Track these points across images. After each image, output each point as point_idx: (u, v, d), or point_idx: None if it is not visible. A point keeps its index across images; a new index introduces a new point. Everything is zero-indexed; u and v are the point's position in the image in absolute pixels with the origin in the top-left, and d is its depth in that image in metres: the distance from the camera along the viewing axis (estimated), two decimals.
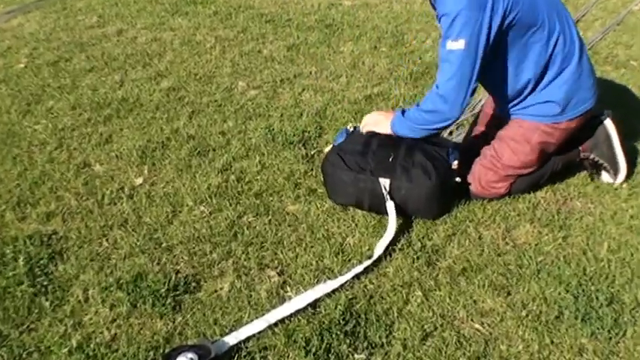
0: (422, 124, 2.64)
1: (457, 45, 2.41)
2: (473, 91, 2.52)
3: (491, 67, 2.58)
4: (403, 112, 2.73)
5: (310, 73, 4.05)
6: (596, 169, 2.99)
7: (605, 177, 2.98)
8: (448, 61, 2.47)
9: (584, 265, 2.48)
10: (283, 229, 2.70)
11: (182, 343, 2.15)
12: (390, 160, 2.65)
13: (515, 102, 2.73)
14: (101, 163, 3.18)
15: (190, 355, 2.00)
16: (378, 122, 2.81)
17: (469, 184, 2.82)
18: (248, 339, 2.18)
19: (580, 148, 2.95)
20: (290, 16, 4.98)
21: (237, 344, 2.14)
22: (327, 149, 2.88)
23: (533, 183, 2.90)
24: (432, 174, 2.60)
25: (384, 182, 2.63)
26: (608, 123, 2.93)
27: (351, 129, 2.89)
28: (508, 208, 2.78)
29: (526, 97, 2.70)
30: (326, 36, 4.58)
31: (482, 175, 2.81)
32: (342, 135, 2.89)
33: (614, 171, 2.94)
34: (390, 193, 2.63)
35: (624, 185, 2.95)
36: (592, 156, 2.94)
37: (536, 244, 2.60)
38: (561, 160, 2.93)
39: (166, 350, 2.14)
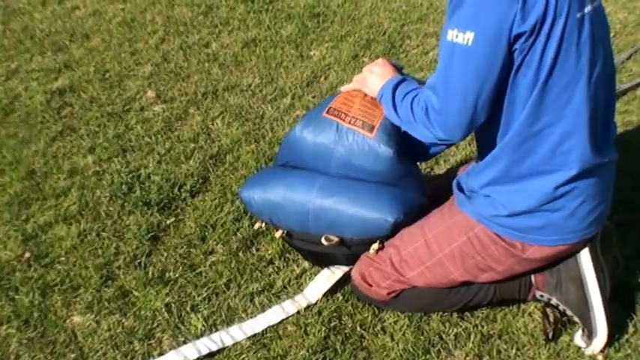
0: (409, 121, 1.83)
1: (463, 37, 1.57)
2: (477, 114, 1.65)
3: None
4: (397, 86, 1.89)
5: (249, 86, 3.15)
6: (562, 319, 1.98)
7: (578, 338, 1.94)
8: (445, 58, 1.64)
9: None
10: None
11: None
12: None
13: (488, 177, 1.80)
14: None
15: None
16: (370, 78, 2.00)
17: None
18: None
19: (532, 278, 1.93)
20: None
21: None
22: (277, 234, 2.09)
23: (437, 305, 1.99)
24: None
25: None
26: (584, 254, 1.90)
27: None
28: None
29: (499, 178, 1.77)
30: (303, 30, 3.63)
31: (377, 259, 1.96)
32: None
33: (588, 331, 1.89)
34: None
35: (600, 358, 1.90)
36: (554, 300, 1.92)
37: None
38: (500, 289, 1.97)
39: None
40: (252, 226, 2.25)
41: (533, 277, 1.94)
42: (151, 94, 3.12)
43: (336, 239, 1.95)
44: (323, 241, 1.95)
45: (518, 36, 1.54)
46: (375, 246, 1.94)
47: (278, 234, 2.06)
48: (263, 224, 2.14)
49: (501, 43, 1.54)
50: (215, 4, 3.96)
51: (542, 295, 1.95)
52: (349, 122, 1.94)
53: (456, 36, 1.57)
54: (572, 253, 1.87)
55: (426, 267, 1.89)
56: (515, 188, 1.74)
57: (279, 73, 3.26)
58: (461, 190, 1.90)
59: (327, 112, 1.98)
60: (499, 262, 1.83)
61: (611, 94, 1.77)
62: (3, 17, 3.89)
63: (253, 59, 3.40)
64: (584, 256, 1.88)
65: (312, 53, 3.44)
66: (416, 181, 2.03)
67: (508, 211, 1.74)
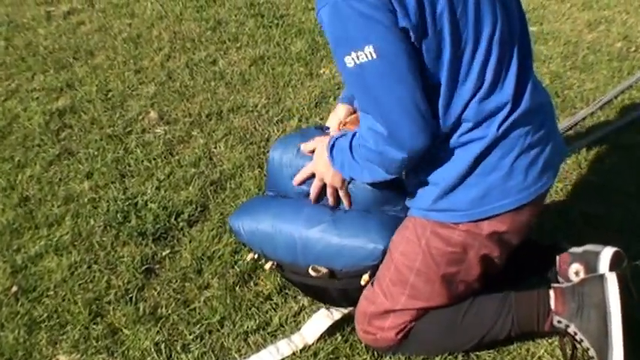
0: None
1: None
2: (425, 112, 1.59)
3: None
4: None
5: (255, 106, 3.08)
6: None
7: None
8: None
9: None
10: None
11: None
12: None
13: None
14: None
15: None
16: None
17: None
18: None
19: (552, 305, 1.82)
20: (287, 11, 3.97)
21: None
22: (267, 266, 2.05)
23: (451, 340, 1.88)
24: None
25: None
26: (611, 280, 1.77)
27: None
28: None
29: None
30: (314, 47, 3.55)
31: (369, 303, 1.88)
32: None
33: None
34: None
35: None
36: (572, 328, 1.80)
37: None
38: (517, 318, 1.84)
39: None
40: (246, 257, 2.17)
41: (552, 301, 1.83)
42: (153, 115, 3.06)
43: (324, 270, 1.88)
44: (310, 271, 1.88)
45: (408, 29, 1.52)
46: (366, 277, 1.86)
47: (267, 266, 2.01)
48: (256, 255, 2.06)
49: (401, 38, 1.52)
50: (224, 18, 3.89)
51: (560, 322, 1.83)
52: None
53: (357, 57, 1.53)
54: (535, 213, 1.80)
55: (410, 285, 1.81)
56: (442, 161, 1.70)
57: (287, 93, 3.18)
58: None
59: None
60: (468, 247, 1.75)
61: (525, 37, 1.73)
62: (6, 33, 3.86)
63: (261, 77, 3.32)
64: (611, 282, 1.77)
65: (321, 71, 3.36)
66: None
67: (441, 188, 1.70)
